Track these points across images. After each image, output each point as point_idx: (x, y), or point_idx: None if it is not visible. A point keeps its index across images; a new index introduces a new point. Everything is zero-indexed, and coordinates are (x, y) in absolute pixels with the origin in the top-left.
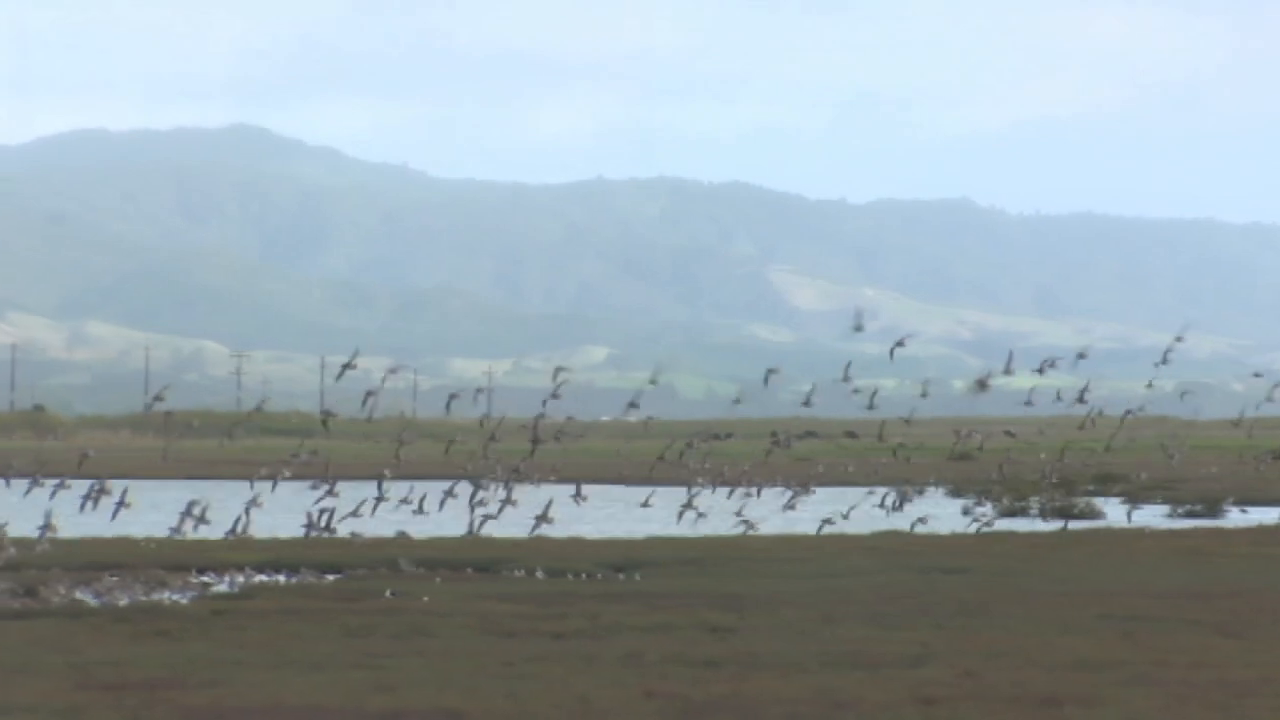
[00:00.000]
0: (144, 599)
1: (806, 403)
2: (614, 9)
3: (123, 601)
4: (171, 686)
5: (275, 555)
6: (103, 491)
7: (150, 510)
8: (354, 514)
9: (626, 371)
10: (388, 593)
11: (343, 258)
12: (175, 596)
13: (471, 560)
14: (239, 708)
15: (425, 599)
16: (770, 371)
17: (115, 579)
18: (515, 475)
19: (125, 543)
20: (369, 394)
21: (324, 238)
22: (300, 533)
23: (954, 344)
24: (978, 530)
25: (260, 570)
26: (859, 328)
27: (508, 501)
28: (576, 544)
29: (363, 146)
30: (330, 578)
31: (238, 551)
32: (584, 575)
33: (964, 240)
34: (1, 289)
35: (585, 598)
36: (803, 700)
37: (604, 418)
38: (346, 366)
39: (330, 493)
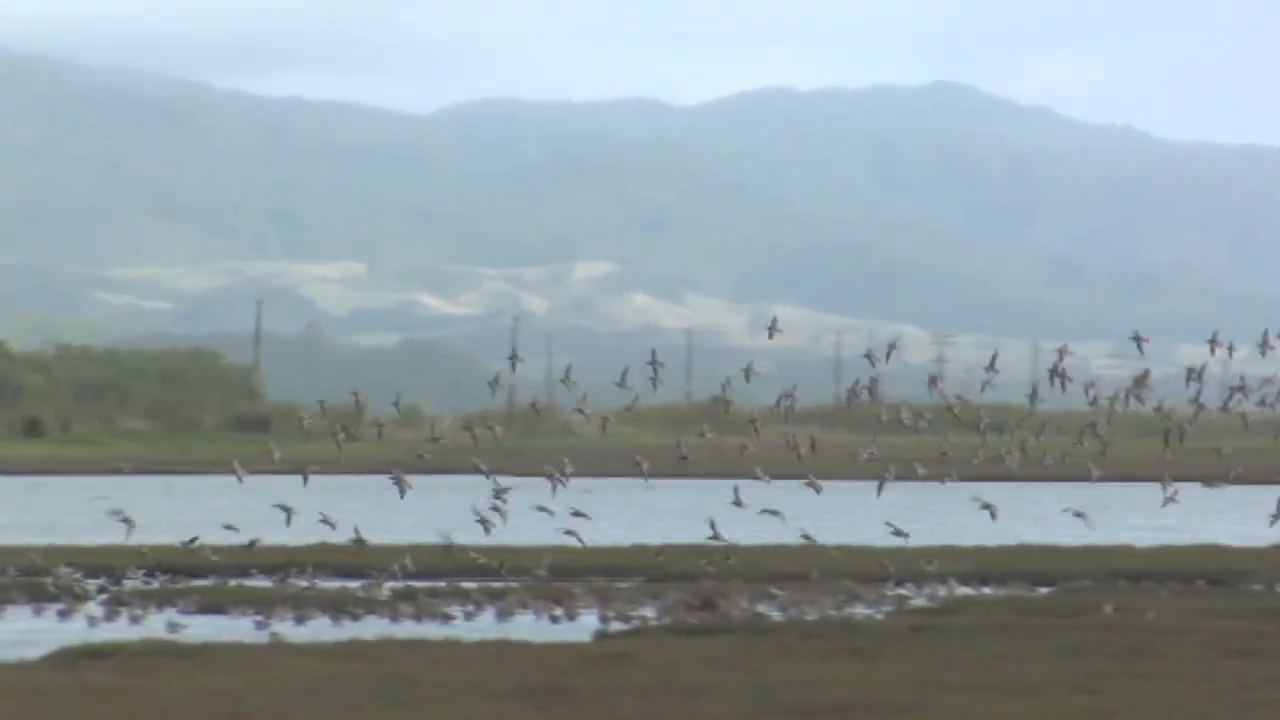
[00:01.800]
0: (834, 613)
1: None
2: None
3: (811, 616)
4: (864, 711)
5: (980, 565)
6: (812, 487)
7: (842, 513)
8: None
9: None
10: (1108, 607)
11: (1058, 231)
12: (869, 611)
13: (1202, 571)
14: None
15: (1151, 615)
16: None
17: (800, 591)
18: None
19: (810, 550)
20: (1088, 386)
21: (1036, 208)
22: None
23: None
24: None
25: (964, 582)
26: None
27: None
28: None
29: (1080, 105)
30: (1043, 590)
31: (938, 561)
32: None
33: None
34: (675, 268)
35: None
36: None
37: None
38: (1062, 353)
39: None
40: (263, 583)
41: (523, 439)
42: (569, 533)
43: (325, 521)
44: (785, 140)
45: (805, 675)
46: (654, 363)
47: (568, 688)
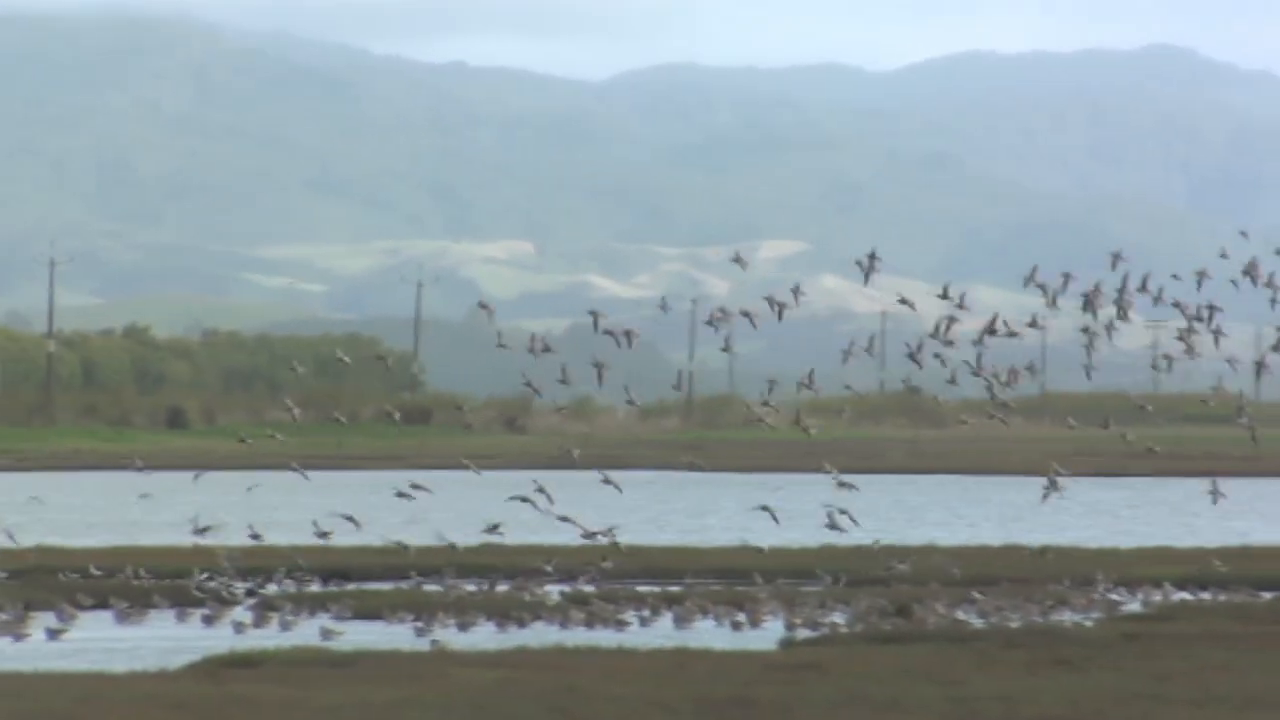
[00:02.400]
0: (1039, 620)
1: None
2: None
3: (1014, 623)
4: None
5: (1200, 568)
6: (1053, 488)
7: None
8: None
9: None
10: None
11: None
12: (1077, 617)
13: None
14: None
15: None
16: None
17: (1002, 596)
18: None
19: (1012, 552)
20: None
21: (1260, 182)
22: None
23: None
24: None
25: (1181, 586)
26: None
27: None
28: None
29: None
30: (1267, 595)
31: (1153, 564)
32: None
33: None
34: (869, 246)
35: None
36: None
37: None
38: None
39: None
40: (423, 587)
41: (703, 431)
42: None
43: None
44: (988, 109)
45: (1007, 688)
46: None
47: (751, 700)
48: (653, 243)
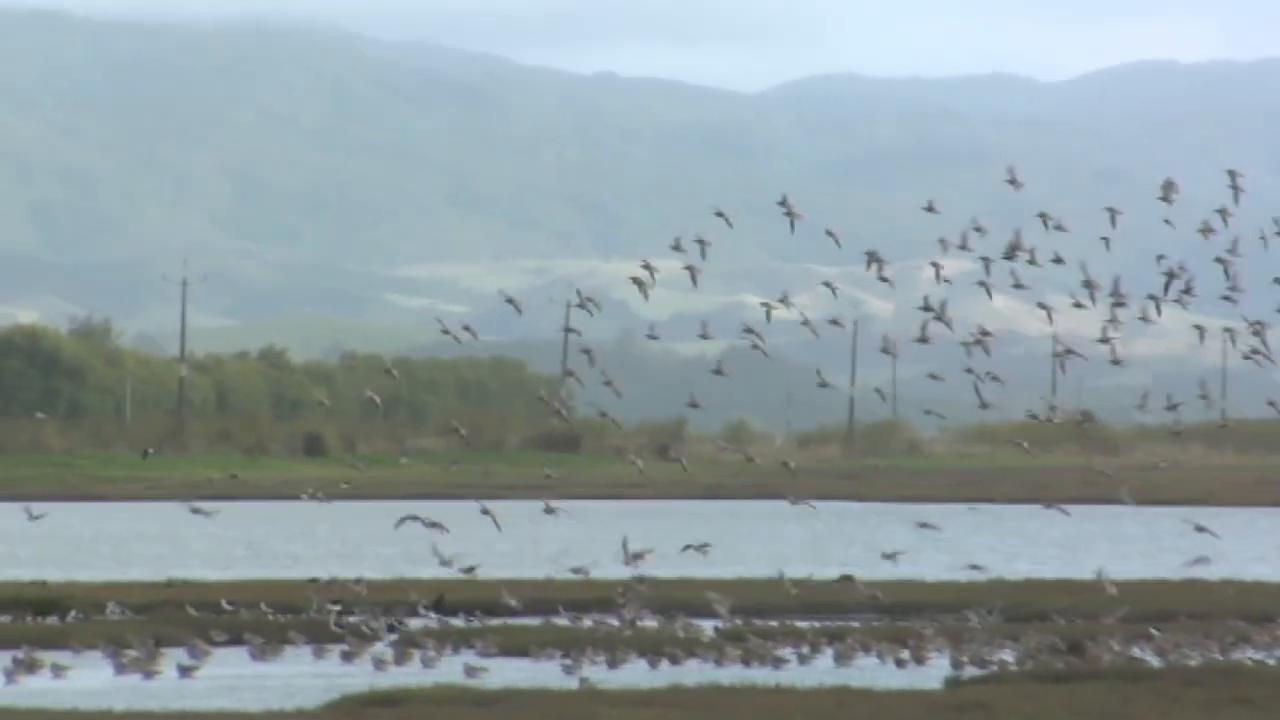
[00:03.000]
0: (1220, 658)
1: None
2: None
3: (1193, 661)
4: None
5: None
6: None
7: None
8: None
9: None
10: None
11: None
12: (1260, 655)
13: None
14: None
15: None
16: None
17: (1181, 633)
18: None
19: (1197, 587)
20: None
21: None
22: None
23: None
24: None
25: None
26: None
27: None
28: None
29: None
30: None
31: None
32: None
33: None
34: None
35: None
36: None
37: None
38: None
39: None
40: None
41: (862, 460)
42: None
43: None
44: (1165, 121)
45: None
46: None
47: None
48: (811, 261)
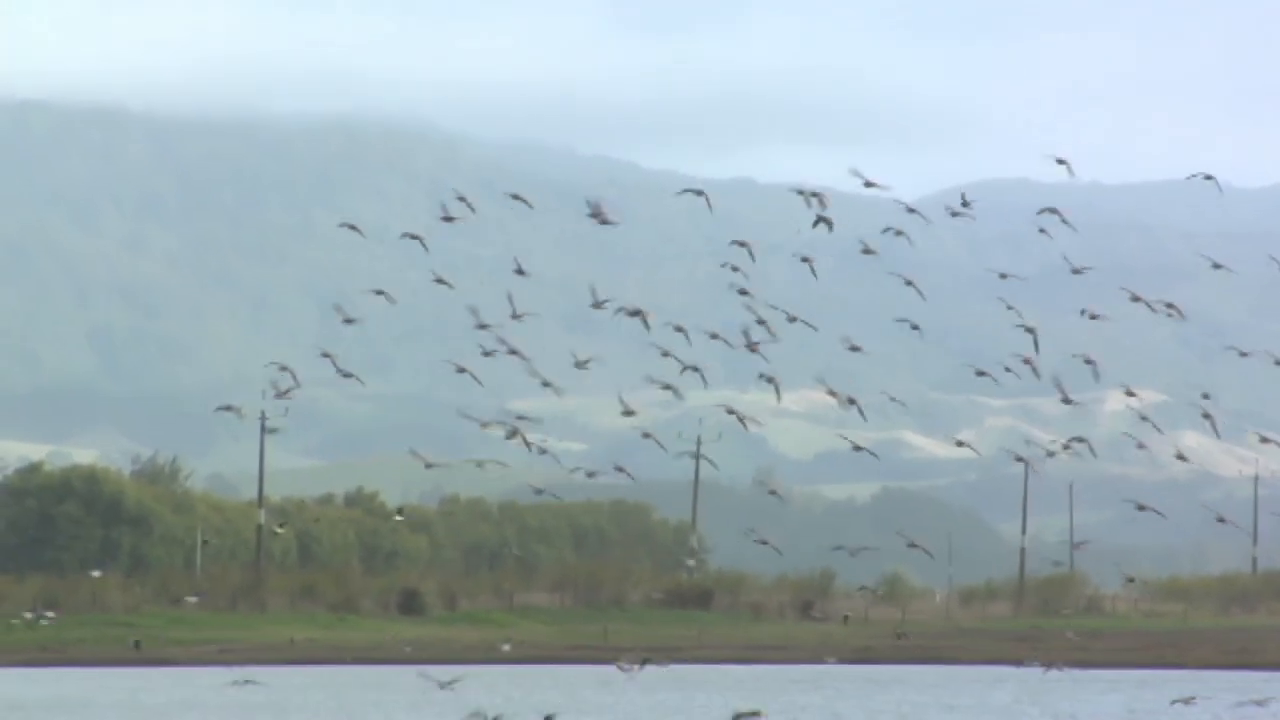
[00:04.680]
0: None
1: None
2: None
3: None
4: None
5: None
6: None
7: None
8: None
9: None
10: None
11: None
12: None
13: None
14: None
15: None
16: None
17: None
18: None
19: None
20: None
21: None
22: None
23: None
24: None
25: None
26: None
27: None
28: None
29: None
30: None
31: None
32: None
33: None
34: (1243, 398)
35: None
36: None
37: None
38: None
39: None
40: None
41: (1038, 619)
42: None
43: None
44: None
45: None
46: None
47: None
48: (976, 392)
